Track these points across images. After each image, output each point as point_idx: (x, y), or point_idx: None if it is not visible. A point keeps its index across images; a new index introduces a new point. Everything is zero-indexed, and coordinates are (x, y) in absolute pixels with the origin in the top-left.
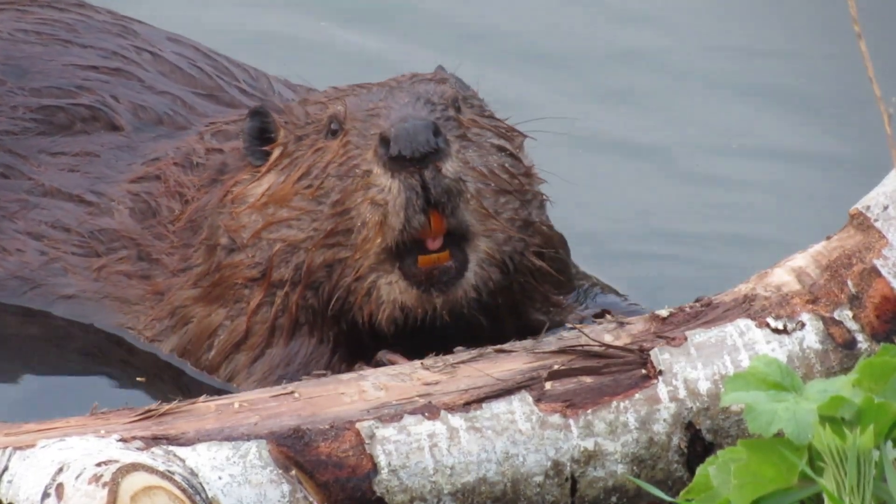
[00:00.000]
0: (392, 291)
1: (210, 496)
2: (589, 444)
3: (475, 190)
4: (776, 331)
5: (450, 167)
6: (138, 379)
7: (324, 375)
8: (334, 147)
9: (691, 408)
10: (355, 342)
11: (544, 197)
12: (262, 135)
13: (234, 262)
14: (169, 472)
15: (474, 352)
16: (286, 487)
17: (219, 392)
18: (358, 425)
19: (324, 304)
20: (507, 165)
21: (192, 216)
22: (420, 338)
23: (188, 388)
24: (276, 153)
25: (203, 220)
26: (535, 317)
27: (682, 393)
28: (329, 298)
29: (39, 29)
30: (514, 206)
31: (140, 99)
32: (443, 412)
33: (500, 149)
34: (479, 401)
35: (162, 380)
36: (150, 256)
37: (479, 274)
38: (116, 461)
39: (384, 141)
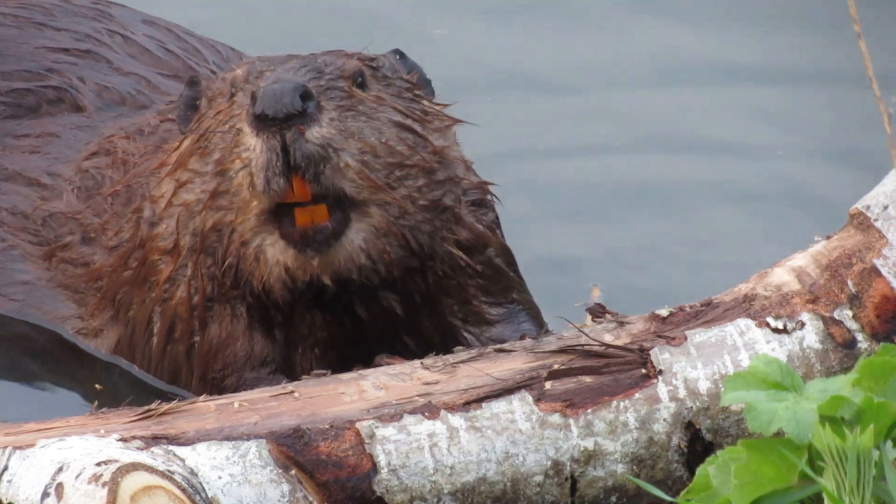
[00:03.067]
0: (275, 252)
1: (210, 496)
2: (589, 443)
3: (356, 160)
4: (776, 330)
5: (316, 132)
6: (97, 386)
7: (324, 375)
8: (224, 108)
9: (691, 407)
10: (267, 319)
11: (489, 196)
12: (194, 104)
13: (153, 234)
14: (169, 471)
15: (474, 351)
16: (286, 487)
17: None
18: (358, 425)
19: (221, 272)
20: (405, 139)
21: (130, 181)
22: (334, 326)
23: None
24: (195, 121)
25: (139, 188)
26: (449, 319)
27: (682, 392)
28: (223, 264)
29: (17, 12)
30: (415, 183)
31: (106, 80)
32: (443, 412)
33: (401, 126)
34: (479, 400)
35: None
36: (90, 236)
37: (370, 241)
38: (116, 461)
39: (253, 100)
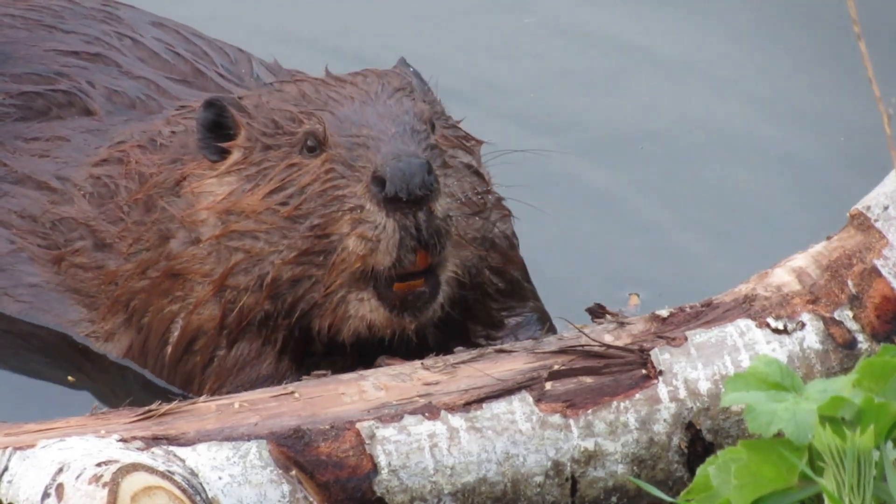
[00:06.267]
0: (362, 308)
1: (210, 496)
2: (589, 444)
3: (454, 219)
4: (776, 331)
5: (440, 206)
6: (69, 378)
7: (324, 375)
8: (314, 169)
9: (691, 408)
10: (304, 349)
11: (507, 212)
12: (216, 128)
13: (188, 254)
14: (169, 472)
15: (474, 352)
16: (286, 487)
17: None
18: (358, 425)
19: (281, 312)
20: (475, 185)
21: (149, 192)
22: (366, 357)
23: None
24: (236, 154)
25: (158, 199)
26: (474, 340)
27: (682, 393)
28: (290, 309)
29: (27, 15)
30: (477, 225)
31: (115, 84)
32: (443, 412)
33: (469, 168)
34: (480, 401)
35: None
36: (105, 242)
37: (446, 293)
38: (116, 461)
39: (378, 180)
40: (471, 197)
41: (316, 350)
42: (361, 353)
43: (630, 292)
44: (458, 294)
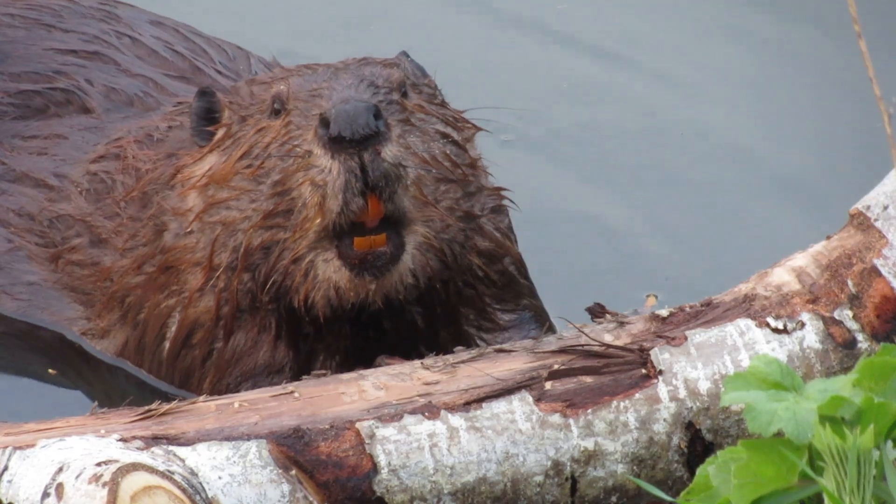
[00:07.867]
0: (327, 270)
1: (210, 496)
2: (589, 443)
3: (415, 176)
4: (776, 330)
5: (389, 151)
6: (50, 371)
7: (324, 375)
8: (276, 127)
9: (691, 407)
10: (296, 331)
11: (503, 202)
12: (208, 115)
13: (180, 245)
14: (169, 471)
15: (474, 351)
16: (286, 487)
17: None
18: (358, 425)
19: (261, 288)
20: (449, 153)
21: (145, 188)
22: (358, 337)
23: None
24: (219, 133)
25: (154, 194)
26: (464, 328)
27: (682, 393)
28: (266, 281)
29: (26, 14)
30: (454, 196)
31: (113, 82)
32: (443, 412)
33: (445, 136)
34: (480, 400)
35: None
36: (101, 238)
37: (416, 258)
38: (116, 461)
39: (324, 122)
40: (441, 161)
41: (308, 332)
42: (357, 342)
43: (647, 293)
44: (437, 269)
